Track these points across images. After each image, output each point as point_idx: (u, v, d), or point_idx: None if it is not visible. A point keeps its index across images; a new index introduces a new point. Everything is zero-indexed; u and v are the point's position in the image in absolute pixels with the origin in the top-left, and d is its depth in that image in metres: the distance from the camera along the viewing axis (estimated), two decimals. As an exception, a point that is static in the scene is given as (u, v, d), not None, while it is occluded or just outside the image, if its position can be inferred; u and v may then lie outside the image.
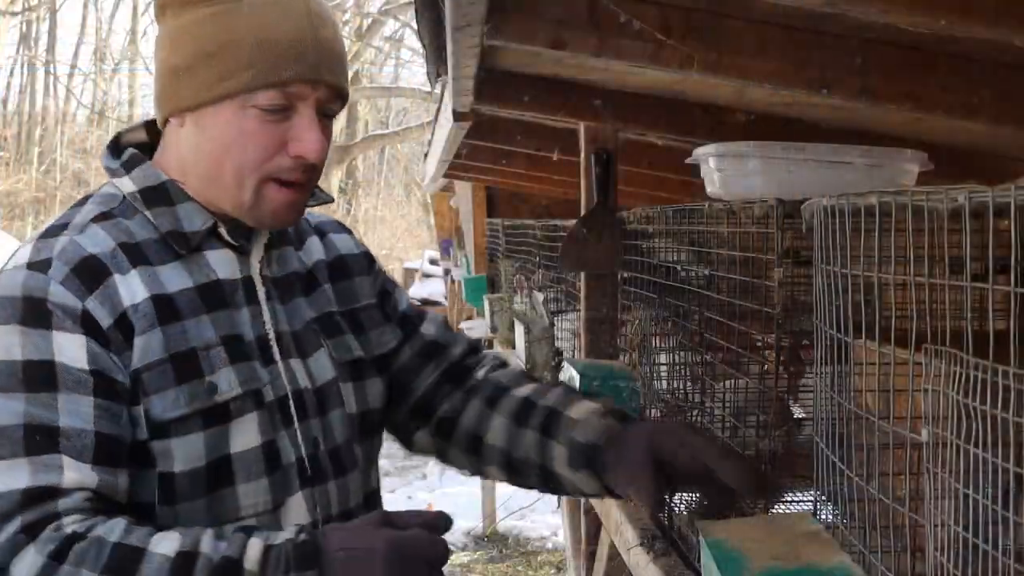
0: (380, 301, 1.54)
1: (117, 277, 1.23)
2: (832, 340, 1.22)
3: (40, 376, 1.17)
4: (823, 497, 1.40)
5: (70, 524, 1.12)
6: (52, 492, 1.13)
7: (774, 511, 1.80)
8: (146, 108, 27.43)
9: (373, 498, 1.45)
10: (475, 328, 7.47)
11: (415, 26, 2.80)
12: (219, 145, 1.28)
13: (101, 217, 1.30)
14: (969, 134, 2.89)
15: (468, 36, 2.38)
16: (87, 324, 1.20)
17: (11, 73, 24.39)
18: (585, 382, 2.59)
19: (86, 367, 1.18)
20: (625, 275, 3.02)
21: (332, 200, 1.48)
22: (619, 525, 2.48)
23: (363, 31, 24.12)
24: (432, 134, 7.01)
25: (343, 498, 1.36)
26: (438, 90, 4.55)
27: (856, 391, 1.23)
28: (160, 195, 1.32)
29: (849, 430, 1.22)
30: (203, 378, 1.24)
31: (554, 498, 6.26)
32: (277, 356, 1.32)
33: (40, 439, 1.14)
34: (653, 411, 2.52)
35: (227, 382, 1.25)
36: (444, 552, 1.14)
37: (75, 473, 1.14)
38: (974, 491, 0.89)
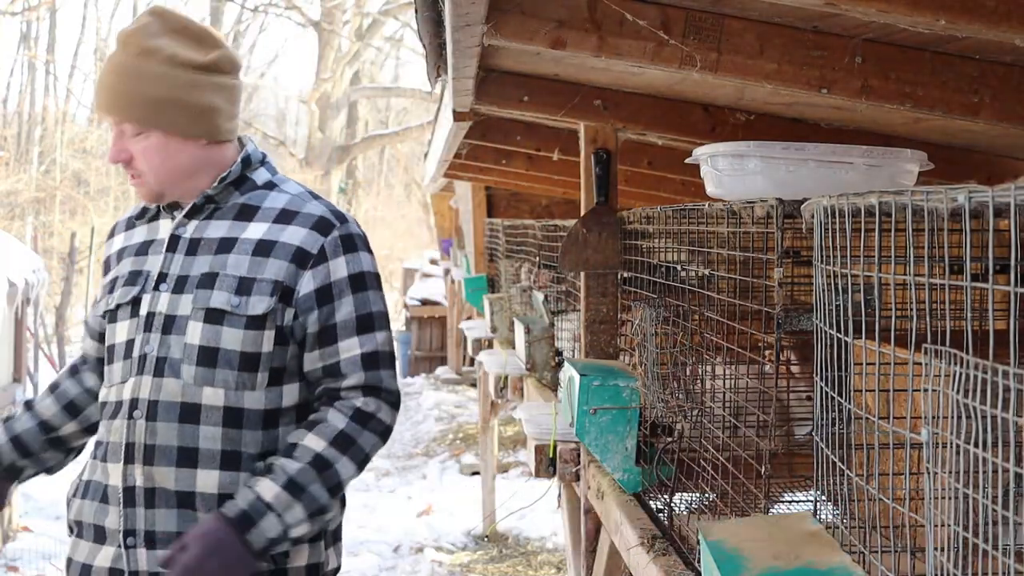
0: (286, 291, 1.91)
1: (116, 237, 2.13)
2: (832, 340, 1.22)
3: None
4: (823, 497, 1.40)
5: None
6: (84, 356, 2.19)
7: (774, 511, 1.80)
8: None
9: (193, 409, 1.89)
10: (475, 328, 7.45)
11: (415, 26, 2.79)
12: None
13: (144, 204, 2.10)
14: (969, 134, 2.89)
15: (468, 36, 2.38)
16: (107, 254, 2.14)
17: (11, 73, 24.38)
18: (585, 382, 2.59)
19: (104, 279, 2.10)
20: (625, 275, 3.02)
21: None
22: (619, 525, 2.48)
23: (363, 31, 24.13)
24: (432, 134, 7.01)
25: (154, 392, 1.91)
26: (438, 90, 4.55)
27: (856, 391, 1.23)
28: None
29: (849, 430, 1.22)
30: (113, 293, 2.01)
31: (554, 498, 6.26)
32: (151, 287, 1.96)
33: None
34: (653, 411, 2.52)
35: (116, 297, 2.00)
36: None
37: (83, 343, 2.19)
38: (974, 491, 0.89)
